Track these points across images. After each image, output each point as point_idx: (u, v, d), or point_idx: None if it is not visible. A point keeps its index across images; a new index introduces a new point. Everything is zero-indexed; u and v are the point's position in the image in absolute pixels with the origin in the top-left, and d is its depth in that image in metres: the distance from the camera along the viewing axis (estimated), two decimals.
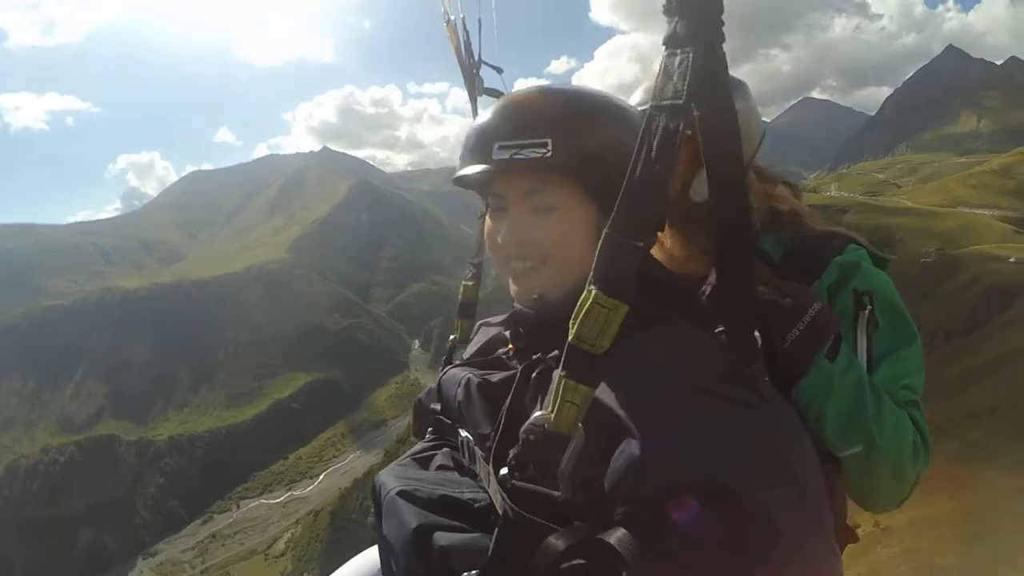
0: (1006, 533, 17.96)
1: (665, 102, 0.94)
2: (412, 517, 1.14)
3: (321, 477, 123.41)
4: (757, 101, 1.74)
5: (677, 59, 0.94)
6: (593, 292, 0.93)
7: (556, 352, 1.13)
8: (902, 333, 1.47)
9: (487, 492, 1.15)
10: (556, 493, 0.95)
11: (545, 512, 0.95)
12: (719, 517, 0.86)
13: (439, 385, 1.48)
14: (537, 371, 1.19)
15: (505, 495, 0.98)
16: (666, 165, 0.92)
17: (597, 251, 0.95)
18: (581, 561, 0.89)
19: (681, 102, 0.92)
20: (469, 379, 1.32)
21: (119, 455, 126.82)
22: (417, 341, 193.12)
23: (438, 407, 1.50)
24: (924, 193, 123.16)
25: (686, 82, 0.92)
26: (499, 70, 2.17)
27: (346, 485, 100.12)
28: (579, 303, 0.94)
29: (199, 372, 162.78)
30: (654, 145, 0.93)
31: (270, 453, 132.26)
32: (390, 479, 1.28)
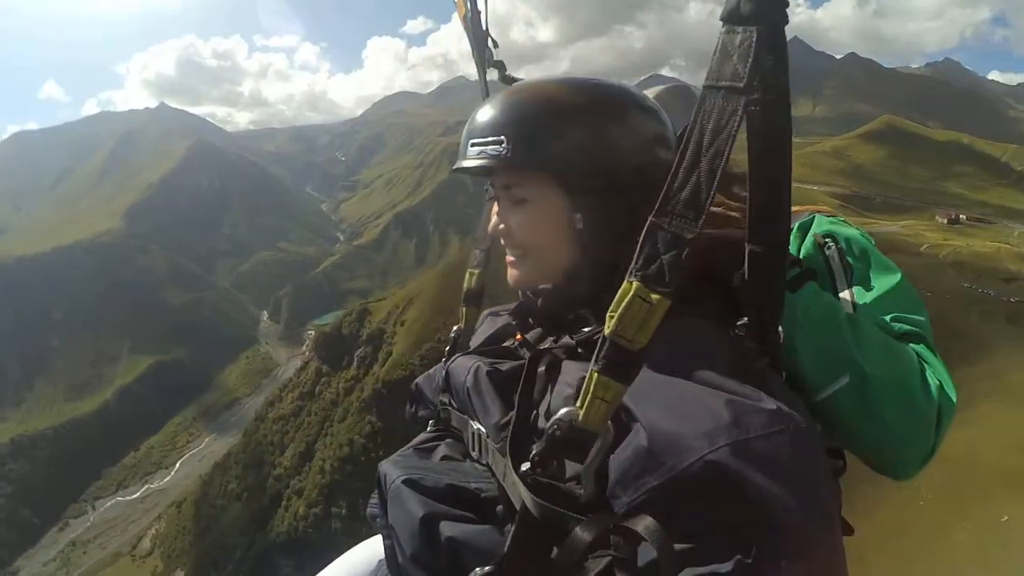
0: None
1: (723, 83, 0.89)
2: (418, 506, 1.13)
3: (177, 466, 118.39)
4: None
5: (738, 37, 0.88)
6: (635, 285, 0.90)
7: (565, 341, 1.24)
8: (878, 269, 1.42)
9: (501, 484, 1.12)
10: (579, 490, 0.94)
11: (564, 507, 0.93)
12: (728, 512, 0.85)
13: (447, 373, 1.45)
14: (546, 361, 1.20)
15: (529, 490, 0.95)
16: (719, 152, 0.88)
17: (640, 240, 0.92)
18: (608, 552, 0.88)
19: (742, 85, 0.88)
20: (479, 367, 1.30)
21: None
22: (266, 312, 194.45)
23: (446, 398, 1.47)
24: None
25: (748, 64, 0.87)
26: (495, 43, 2.11)
27: (206, 471, 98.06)
28: (619, 295, 0.91)
29: (31, 362, 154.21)
30: (707, 129, 0.89)
31: (120, 445, 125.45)
32: (394, 468, 1.26)
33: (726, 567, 0.82)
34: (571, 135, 1.22)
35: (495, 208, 1.43)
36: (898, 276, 1.42)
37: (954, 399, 1.24)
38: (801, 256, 1.43)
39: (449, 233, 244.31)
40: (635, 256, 0.91)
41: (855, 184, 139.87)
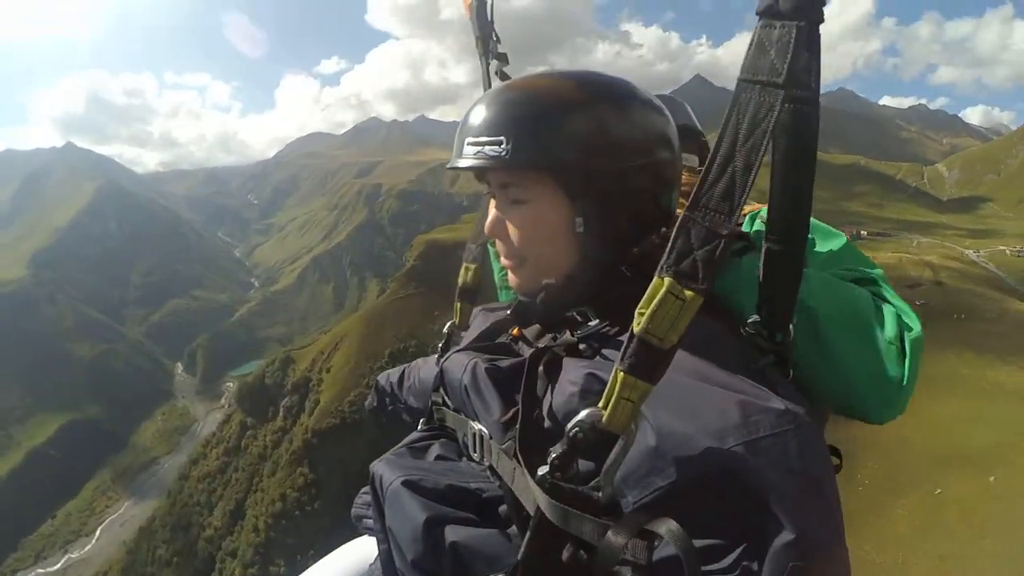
0: None
1: (760, 78, 0.88)
2: (420, 509, 1.09)
3: (98, 532, 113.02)
4: None
5: (776, 33, 0.88)
6: (667, 281, 0.87)
7: (566, 337, 1.20)
8: (823, 235, 1.42)
9: (508, 486, 1.07)
10: (597, 494, 0.90)
11: (582, 511, 0.89)
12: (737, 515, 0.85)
13: (442, 370, 1.40)
14: (546, 358, 1.16)
15: (547, 496, 0.91)
16: (755, 146, 0.87)
17: (672, 234, 0.89)
18: (635, 559, 0.84)
19: (781, 80, 0.87)
20: (476, 363, 1.25)
21: None
22: (180, 364, 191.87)
23: (439, 397, 1.43)
24: None
25: (787, 60, 0.87)
26: (498, 38, 2.10)
27: (129, 537, 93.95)
28: (649, 291, 0.88)
29: None
30: (743, 123, 0.88)
31: (35, 513, 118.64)
32: (389, 469, 1.22)
33: (735, 567, 0.82)
34: (573, 135, 1.17)
35: (492, 204, 1.38)
36: (843, 239, 1.43)
37: (917, 328, 1.20)
38: (752, 234, 1.41)
39: (367, 276, 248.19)
40: (667, 251, 0.89)
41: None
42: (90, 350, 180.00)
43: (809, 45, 0.88)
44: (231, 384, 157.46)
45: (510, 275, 1.35)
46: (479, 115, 1.24)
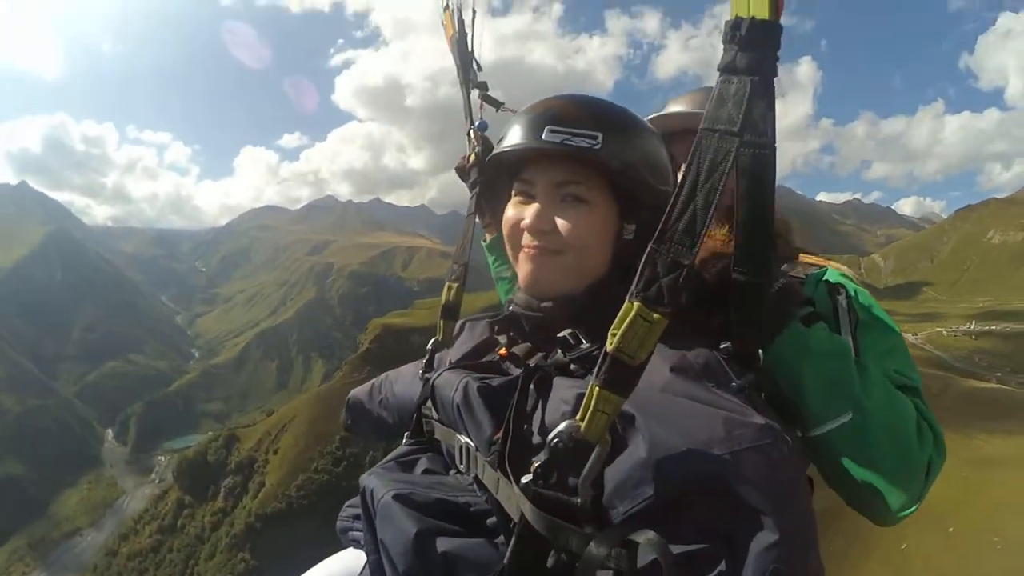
0: None
1: (719, 127, 1.01)
2: (411, 522, 1.14)
3: None
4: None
5: (733, 87, 1.01)
6: (636, 305, 0.97)
7: (557, 357, 1.29)
8: (881, 324, 1.49)
9: (494, 497, 1.15)
10: (576, 500, 0.97)
11: (564, 519, 0.96)
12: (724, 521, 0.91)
13: (432, 387, 1.45)
14: (536, 377, 1.22)
15: (530, 502, 0.99)
16: (714, 188, 0.99)
17: (641, 265, 1.00)
18: (618, 568, 0.90)
19: (736, 128, 0.99)
20: (468, 382, 1.30)
21: None
22: (111, 431, 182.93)
23: (428, 411, 1.50)
24: None
25: (742, 110, 0.99)
26: (479, 66, 2.22)
27: None
28: (620, 314, 0.98)
29: None
30: (704, 167, 1.00)
31: None
32: (380, 482, 1.27)
33: (718, 571, 0.88)
34: (647, 149, 1.35)
35: (510, 207, 1.44)
36: (897, 333, 1.49)
37: (944, 454, 1.32)
38: (816, 300, 1.47)
39: (313, 356, 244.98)
40: (636, 279, 0.99)
41: None
42: (18, 403, 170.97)
43: (764, 97, 1.00)
44: (163, 458, 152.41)
45: (532, 266, 1.37)
46: (569, 107, 1.33)
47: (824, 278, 1.60)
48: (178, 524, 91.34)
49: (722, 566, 0.88)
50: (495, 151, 1.41)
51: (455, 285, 1.95)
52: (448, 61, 2.27)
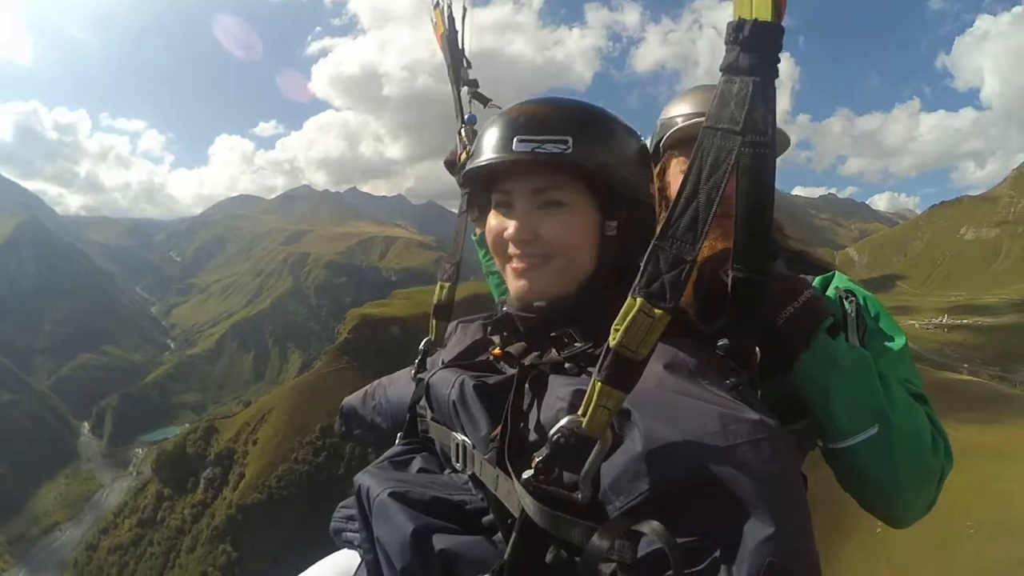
0: None
1: (721, 126, 1.03)
2: (407, 520, 1.15)
3: None
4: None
5: (735, 87, 1.04)
6: (639, 301, 0.99)
7: (552, 356, 1.31)
8: (889, 330, 1.51)
9: (492, 494, 1.16)
10: (577, 495, 0.98)
11: (565, 513, 0.97)
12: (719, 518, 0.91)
13: (428, 386, 1.46)
14: (532, 375, 1.23)
15: (532, 497, 1.00)
16: (716, 184, 1.00)
17: (644, 261, 1.02)
18: (621, 559, 0.90)
19: (738, 128, 1.02)
20: (464, 380, 1.31)
21: None
22: (87, 424, 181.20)
23: (423, 410, 1.51)
24: None
25: (744, 110, 1.02)
26: (469, 63, 2.26)
27: None
28: (623, 310, 1.00)
29: None
30: (706, 165, 1.02)
31: None
32: (375, 481, 1.28)
33: (713, 568, 0.88)
34: (619, 145, 1.37)
35: (492, 217, 1.45)
36: (904, 340, 1.51)
37: (952, 460, 1.36)
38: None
39: (290, 347, 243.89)
40: (639, 275, 1.01)
41: None
42: None
43: (764, 98, 1.03)
44: (140, 451, 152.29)
45: (522, 280, 1.38)
46: (536, 114, 1.34)
47: (834, 283, 1.60)
48: (158, 517, 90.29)
49: (719, 559, 0.88)
50: (468, 167, 1.41)
51: (447, 285, 1.94)
52: (426, 52, 2.59)
